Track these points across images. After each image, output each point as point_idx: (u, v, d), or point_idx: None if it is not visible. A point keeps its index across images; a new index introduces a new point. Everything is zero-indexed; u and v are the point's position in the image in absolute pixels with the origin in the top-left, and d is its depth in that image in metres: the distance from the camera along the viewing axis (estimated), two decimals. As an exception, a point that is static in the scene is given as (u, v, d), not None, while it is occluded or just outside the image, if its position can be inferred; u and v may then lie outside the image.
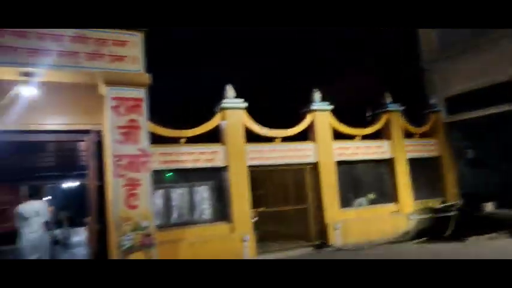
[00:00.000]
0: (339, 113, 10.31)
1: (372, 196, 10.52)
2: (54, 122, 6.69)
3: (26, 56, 5.12)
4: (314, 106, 9.79)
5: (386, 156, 10.54)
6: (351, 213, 9.75)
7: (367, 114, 12.12)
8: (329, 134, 9.85)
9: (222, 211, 8.58)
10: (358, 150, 10.26)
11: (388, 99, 10.86)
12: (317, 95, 9.96)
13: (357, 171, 10.31)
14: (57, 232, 8.83)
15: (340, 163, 9.89)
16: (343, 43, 14.21)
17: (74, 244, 11.28)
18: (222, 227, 8.35)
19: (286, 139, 9.51)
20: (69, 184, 18.83)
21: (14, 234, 6.39)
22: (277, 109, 11.51)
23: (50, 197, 11.01)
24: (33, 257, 6.24)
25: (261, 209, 8.82)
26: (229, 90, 8.90)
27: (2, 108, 5.91)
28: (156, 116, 7.05)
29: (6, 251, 8.46)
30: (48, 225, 6.54)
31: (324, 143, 9.73)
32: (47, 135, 6.90)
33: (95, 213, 7.02)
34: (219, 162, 8.53)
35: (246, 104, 8.90)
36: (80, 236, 12.58)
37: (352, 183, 10.18)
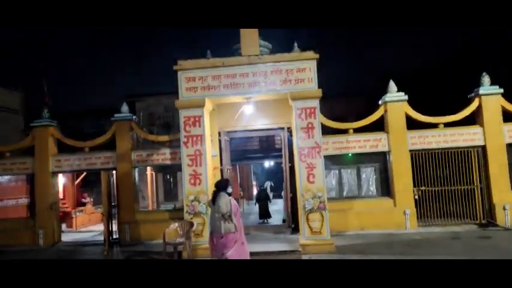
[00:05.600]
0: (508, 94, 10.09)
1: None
2: (262, 123, 9.97)
3: (248, 88, 8.34)
4: (482, 90, 10.00)
5: None
6: (525, 195, 9.67)
7: None
8: (498, 117, 9.91)
9: (385, 188, 10.30)
10: (536, 132, 9.86)
11: None
12: (486, 79, 10.08)
13: (535, 153, 9.95)
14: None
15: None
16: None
17: (272, 211, 14.78)
18: (385, 202, 10.08)
19: (452, 124, 10.18)
20: (267, 163, 23.78)
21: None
22: (445, 96, 11.97)
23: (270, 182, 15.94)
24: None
25: (423, 188, 10.00)
26: (392, 85, 10.31)
27: (238, 119, 9.57)
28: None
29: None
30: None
31: (493, 126, 9.89)
32: (259, 132, 10.33)
33: (288, 186, 10.04)
34: (382, 148, 10.19)
35: (406, 97, 10.13)
36: (277, 205, 16.35)
37: (528, 165, 9.94)
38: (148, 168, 16.51)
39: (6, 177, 12.04)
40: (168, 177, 24.05)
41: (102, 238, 10.93)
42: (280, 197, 20.82)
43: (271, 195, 15.39)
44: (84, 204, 16.09)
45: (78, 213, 15.19)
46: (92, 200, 17.05)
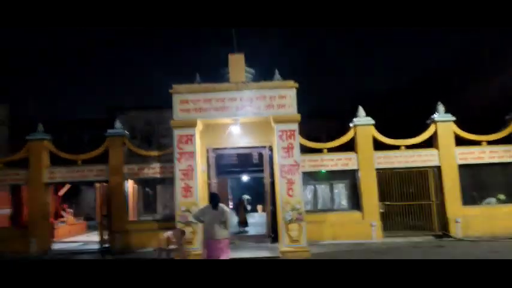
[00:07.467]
0: (466, 120, 11.63)
1: (501, 196, 11.50)
2: (245, 141, 10.93)
3: (235, 111, 9.40)
4: (437, 117, 11.49)
5: (515, 159, 11.26)
6: (474, 210, 11.09)
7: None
8: (452, 141, 11.38)
9: (355, 202, 11.49)
10: (483, 155, 11.40)
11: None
12: (441, 108, 11.58)
13: (483, 173, 11.48)
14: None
15: (463, 166, 11.33)
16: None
17: (250, 223, 15.69)
18: (354, 214, 11.25)
19: (411, 146, 11.57)
20: (245, 177, 24.82)
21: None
22: (405, 120, 13.52)
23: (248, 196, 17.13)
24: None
25: (387, 203, 11.25)
26: (361, 110, 11.64)
27: (225, 138, 10.51)
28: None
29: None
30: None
31: (447, 149, 11.34)
32: (243, 149, 11.29)
33: (269, 199, 11.04)
34: (352, 166, 11.42)
35: (373, 122, 11.46)
36: (253, 218, 17.33)
37: (476, 184, 11.46)
38: (130, 181, 17.08)
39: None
40: (147, 190, 24.52)
41: (89, 247, 11.54)
42: (255, 210, 21.90)
43: (248, 207, 16.52)
44: (62, 216, 16.38)
45: (60, 224, 15.50)
46: (72, 212, 17.36)
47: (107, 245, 10.69)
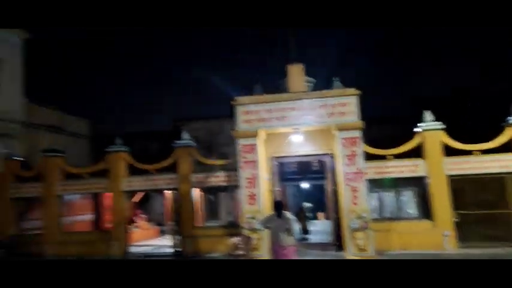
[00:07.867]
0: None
1: None
2: (307, 149, 11.03)
3: (295, 120, 9.56)
4: (515, 120, 10.60)
5: None
6: None
7: None
8: (535, 145, 10.43)
9: (424, 211, 10.96)
10: None
11: None
12: (516, 110, 10.66)
13: None
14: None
15: (549, 172, 10.30)
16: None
17: (311, 231, 15.62)
18: (424, 224, 10.73)
19: (488, 151, 10.78)
20: (305, 184, 24.76)
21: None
22: (479, 123, 12.60)
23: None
24: None
25: (461, 211, 10.57)
26: (427, 115, 11.13)
27: (287, 146, 10.71)
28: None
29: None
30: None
31: (529, 153, 10.40)
32: (305, 157, 11.36)
33: (332, 207, 10.97)
34: (420, 173, 10.93)
35: (442, 126, 10.89)
36: (314, 226, 17.22)
37: None
38: (196, 188, 17.91)
39: (76, 196, 13.81)
40: (210, 197, 25.50)
41: (163, 251, 12.35)
42: (315, 218, 21.73)
43: (310, 215, 16.55)
44: (135, 222, 17.61)
45: (134, 229, 16.72)
46: (145, 217, 18.64)
47: (179, 249, 11.37)
